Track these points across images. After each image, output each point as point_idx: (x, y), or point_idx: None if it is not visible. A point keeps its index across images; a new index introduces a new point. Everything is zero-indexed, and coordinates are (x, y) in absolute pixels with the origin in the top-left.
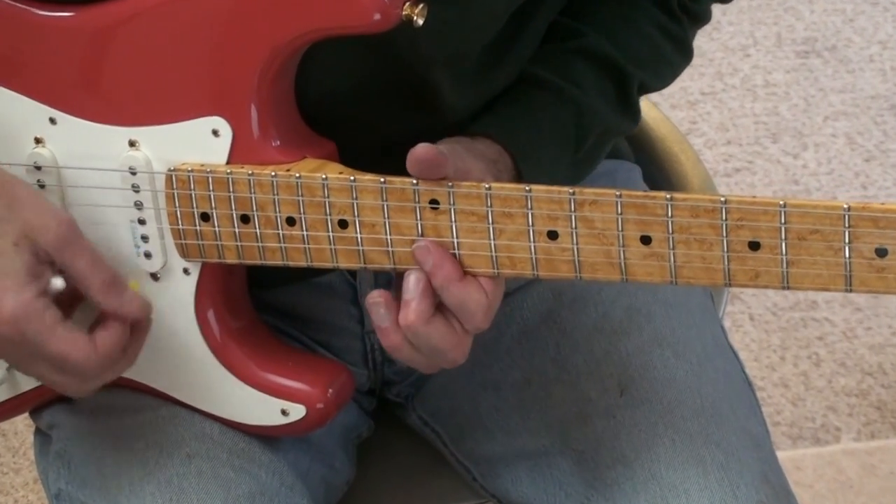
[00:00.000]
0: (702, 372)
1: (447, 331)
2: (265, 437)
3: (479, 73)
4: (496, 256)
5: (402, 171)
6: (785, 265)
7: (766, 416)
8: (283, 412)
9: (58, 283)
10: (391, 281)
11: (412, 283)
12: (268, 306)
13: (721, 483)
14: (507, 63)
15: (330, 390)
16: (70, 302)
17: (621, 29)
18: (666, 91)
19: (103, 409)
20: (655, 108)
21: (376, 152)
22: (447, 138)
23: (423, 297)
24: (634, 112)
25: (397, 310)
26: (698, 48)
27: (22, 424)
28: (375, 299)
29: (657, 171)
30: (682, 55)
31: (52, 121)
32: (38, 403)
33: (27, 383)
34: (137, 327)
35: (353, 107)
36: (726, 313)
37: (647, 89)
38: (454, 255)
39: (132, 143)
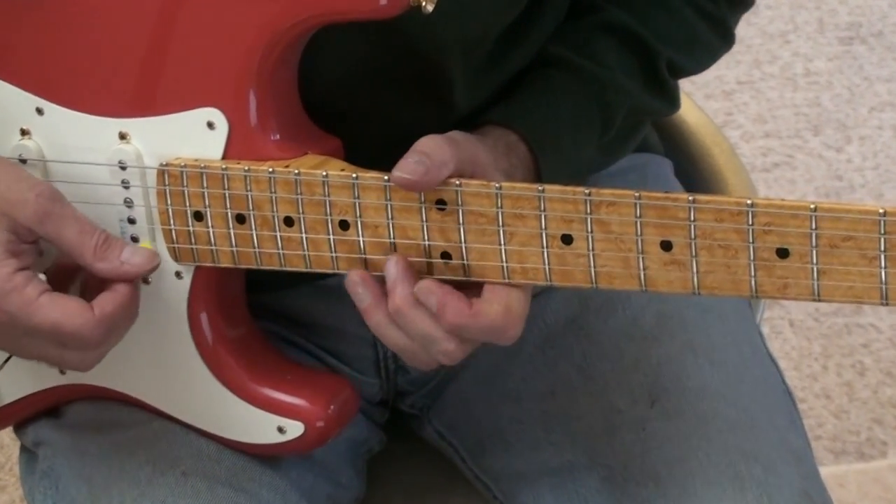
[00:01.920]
0: (738, 381)
1: (433, 316)
2: (263, 455)
3: (492, 58)
4: (506, 262)
5: None
6: (815, 275)
7: (808, 429)
8: (280, 430)
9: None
10: None
11: (391, 267)
12: (270, 312)
13: (759, 500)
14: (522, 47)
15: (331, 406)
16: (72, 278)
17: (646, 3)
18: (699, 80)
19: (92, 424)
20: (688, 98)
21: (385, 146)
22: (452, 132)
23: (406, 280)
24: (668, 92)
25: (378, 288)
26: (734, 33)
27: (8, 438)
28: (353, 278)
29: (690, 165)
30: (721, 38)
31: (39, 111)
32: (21, 418)
33: (8, 395)
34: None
35: (360, 98)
36: (765, 319)
37: (679, 69)
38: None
39: (122, 136)
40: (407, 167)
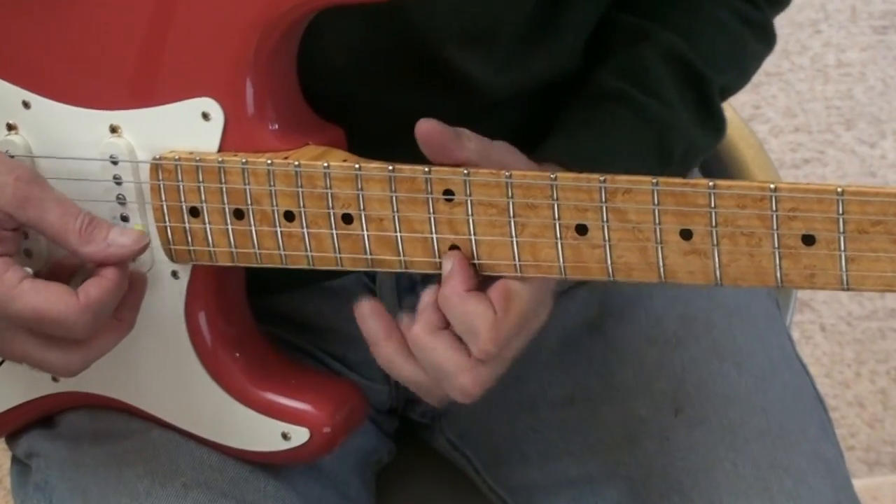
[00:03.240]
0: (767, 388)
1: (454, 347)
2: (267, 464)
3: (517, 52)
4: (518, 254)
5: (422, 156)
6: (844, 262)
7: (840, 438)
8: (284, 436)
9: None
10: (416, 283)
11: (426, 295)
12: (273, 314)
13: None
14: (551, 42)
15: (338, 411)
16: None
17: (694, 21)
18: None
19: (87, 434)
20: None
21: (390, 135)
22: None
23: (433, 309)
24: (718, 121)
25: (389, 321)
26: None
27: None
28: (363, 311)
29: (715, 161)
30: (766, 43)
31: (26, 104)
32: (13, 428)
33: None
34: (133, 284)
35: (364, 86)
36: (795, 323)
37: (730, 90)
38: (473, 265)
39: (113, 129)
40: (435, 124)
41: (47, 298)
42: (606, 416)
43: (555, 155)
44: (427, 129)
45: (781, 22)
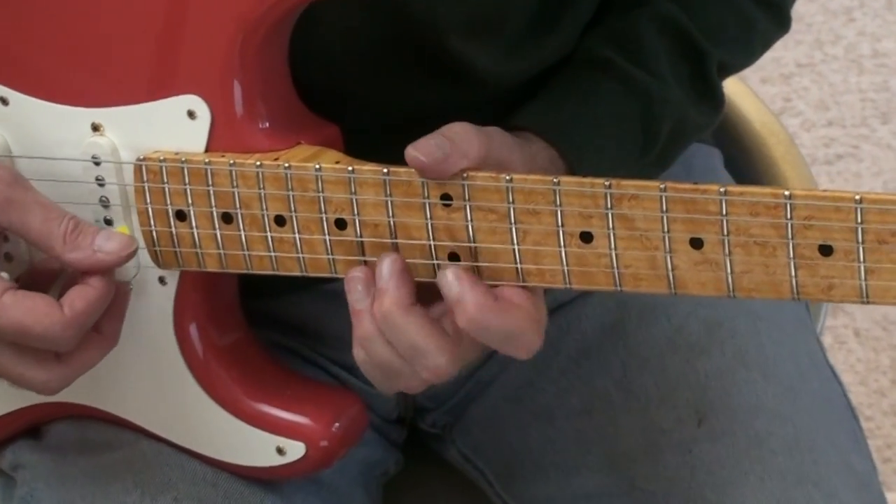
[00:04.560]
0: (795, 397)
1: (429, 325)
2: (263, 479)
3: (525, 39)
4: (521, 263)
5: None
6: (863, 274)
7: (874, 450)
8: (279, 450)
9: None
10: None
11: (386, 267)
12: (270, 318)
13: None
14: (561, 29)
15: (336, 424)
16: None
17: None
18: (754, 63)
19: (75, 445)
20: (742, 83)
21: (389, 132)
22: (490, 127)
23: (401, 283)
24: (714, 97)
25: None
26: (793, 11)
27: None
28: (355, 274)
29: (742, 156)
30: (778, 24)
31: (4, 101)
32: None
33: None
34: (116, 294)
35: (364, 78)
36: (827, 327)
37: (730, 67)
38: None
39: (95, 128)
40: (425, 148)
41: (31, 312)
42: (626, 427)
43: (530, 122)
44: (413, 159)
45: (813, 10)
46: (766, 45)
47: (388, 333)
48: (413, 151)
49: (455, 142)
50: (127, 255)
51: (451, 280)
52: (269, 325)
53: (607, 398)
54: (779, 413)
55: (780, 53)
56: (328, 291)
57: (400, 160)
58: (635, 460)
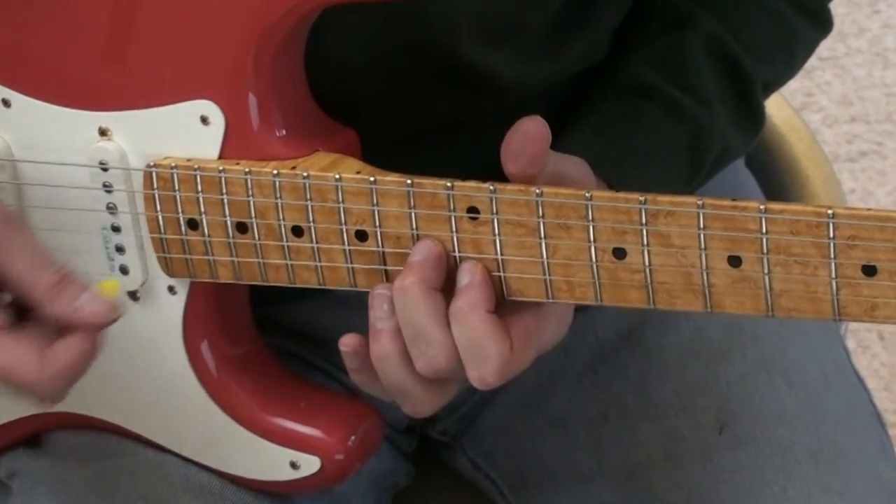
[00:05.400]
0: (820, 404)
1: (441, 312)
2: (273, 493)
3: (545, 48)
4: (550, 278)
5: (441, 162)
6: None
7: None
8: (293, 465)
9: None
10: None
11: (422, 248)
12: (281, 326)
13: None
14: (582, 37)
15: (352, 437)
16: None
17: (739, 6)
18: None
19: (75, 453)
20: None
21: (407, 139)
22: None
23: (435, 265)
24: (757, 122)
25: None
26: None
27: None
28: (381, 291)
29: (763, 154)
30: (819, 29)
31: (6, 103)
32: None
33: None
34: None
35: (378, 86)
36: (850, 331)
37: (773, 86)
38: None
39: (103, 132)
40: (543, 125)
41: (17, 363)
42: (644, 434)
43: (577, 151)
44: (535, 130)
45: (836, 1)
46: (808, 54)
47: (400, 310)
48: (533, 123)
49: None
50: (108, 321)
51: (465, 269)
52: (279, 333)
53: (624, 405)
54: (803, 420)
55: None
56: (340, 298)
57: (414, 171)
58: (653, 469)
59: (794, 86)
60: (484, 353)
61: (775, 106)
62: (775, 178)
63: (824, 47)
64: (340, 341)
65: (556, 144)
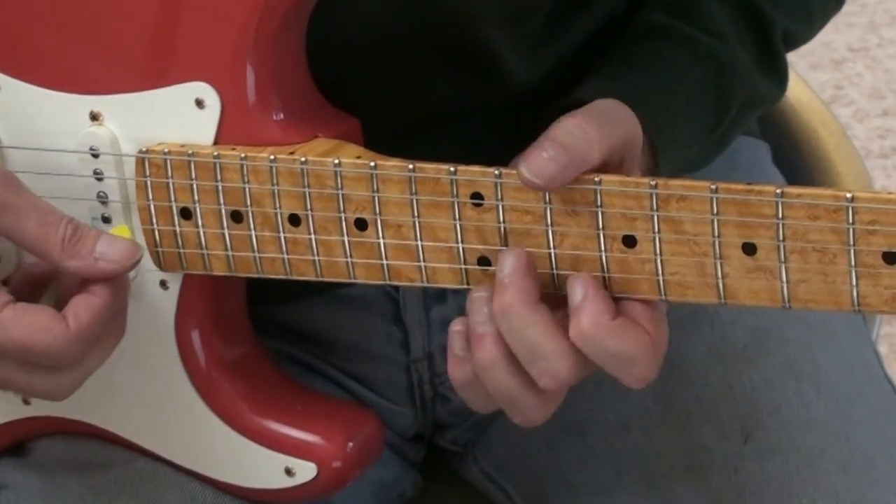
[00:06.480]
0: (851, 412)
1: (553, 325)
2: (269, 502)
3: (551, 26)
4: (557, 269)
5: (446, 152)
6: None
7: None
8: (288, 471)
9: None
10: (445, 291)
11: (509, 261)
12: (280, 327)
13: None
14: (585, 16)
15: (350, 444)
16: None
17: None
18: (804, 47)
19: (65, 463)
20: (790, 69)
21: (411, 126)
22: (578, 111)
23: (526, 276)
24: (780, 69)
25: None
26: None
27: None
28: (480, 293)
29: (791, 150)
30: None
31: None
32: None
33: None
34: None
35: (386, 69)
36: (882, 335)
37: (793, 39)
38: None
39: (94, 117)
40: (537, 165)
41: (33, 329)
42: (666, 444)
43: (599, 93)
44: (527, 181)
45: None
46: (825, 15)
47: (507, 333)
48: (526, 174)
49: (571, 148)
50: (131, 263)
51: (575, 285)
52: (276, 334)
53: (645, 413)
54: (833, 429)
55: (831, 37)
56: (341, 296)
57: (420, 161)
58: (676, 480)
59: (823, 78)
60: (629, 358)
61: (804, 99)
62: (804, 175)
63: (855, 38)
64: (450, 326)
65: (570, 92)
